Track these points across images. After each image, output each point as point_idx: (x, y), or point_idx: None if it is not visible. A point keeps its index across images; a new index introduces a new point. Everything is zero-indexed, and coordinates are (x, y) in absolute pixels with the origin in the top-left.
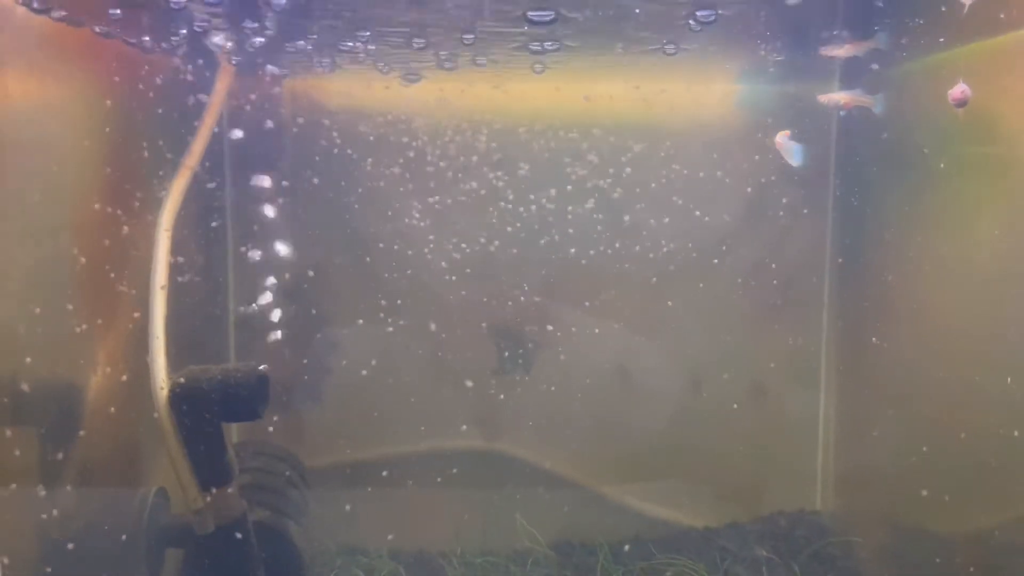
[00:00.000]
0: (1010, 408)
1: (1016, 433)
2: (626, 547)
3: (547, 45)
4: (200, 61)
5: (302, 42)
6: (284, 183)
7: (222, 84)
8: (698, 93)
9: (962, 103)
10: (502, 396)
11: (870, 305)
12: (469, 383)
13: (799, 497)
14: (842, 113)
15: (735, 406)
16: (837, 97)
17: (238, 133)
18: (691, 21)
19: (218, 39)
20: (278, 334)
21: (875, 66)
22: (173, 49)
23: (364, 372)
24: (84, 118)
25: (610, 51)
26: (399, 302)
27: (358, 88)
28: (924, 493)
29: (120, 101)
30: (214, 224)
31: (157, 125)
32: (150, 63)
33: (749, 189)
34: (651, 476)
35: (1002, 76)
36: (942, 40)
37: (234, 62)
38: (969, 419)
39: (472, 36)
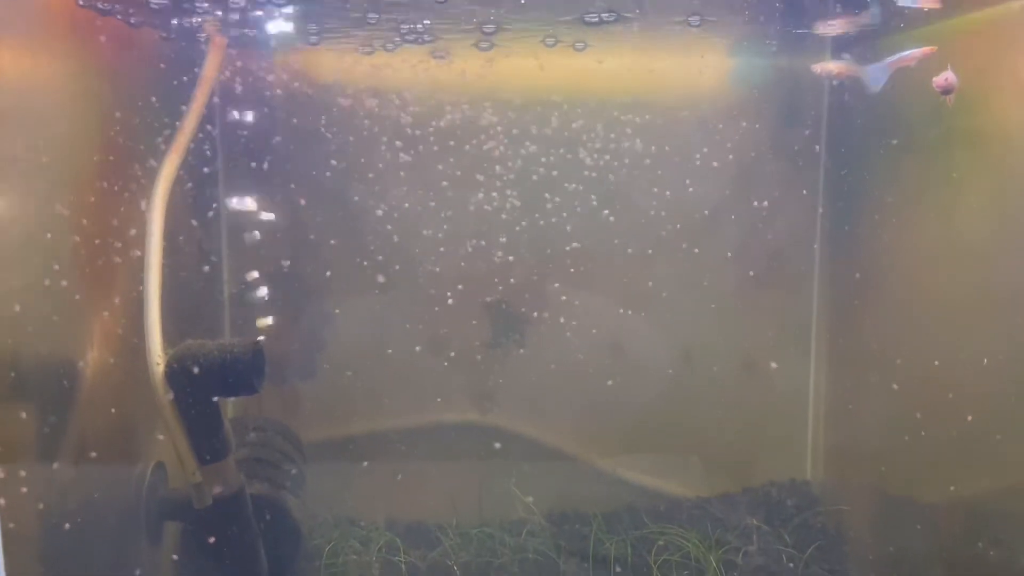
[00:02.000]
0: (996, 379)
1: (1001, 403)
2: (620, 517)
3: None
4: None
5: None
6: (278, 157)
7: (214, 58)
8: (689, 67)
9: (947, 91)
10: (496, 370)
11: (860, 278)
12: (463, 357)
13: (790, 468)
14: (835, 83)
15: (726, 378)
16: (831, 67)
17: (232, 107)
18: None
19: (209, 9)
20: (272, 309)
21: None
22: (163, 22)
23: (360, 346)
24: (78, 93)
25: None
26: (394, 276)
27: (347, 61)
28: (912, 463)
29: (112, 75)
30: (207, 199)
31: (150, 99)
32: (140, 37)
33: (740, 163)
34: (644, 448)
35: (993, 47)
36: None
37: (228, 35)
38: (957, 390)
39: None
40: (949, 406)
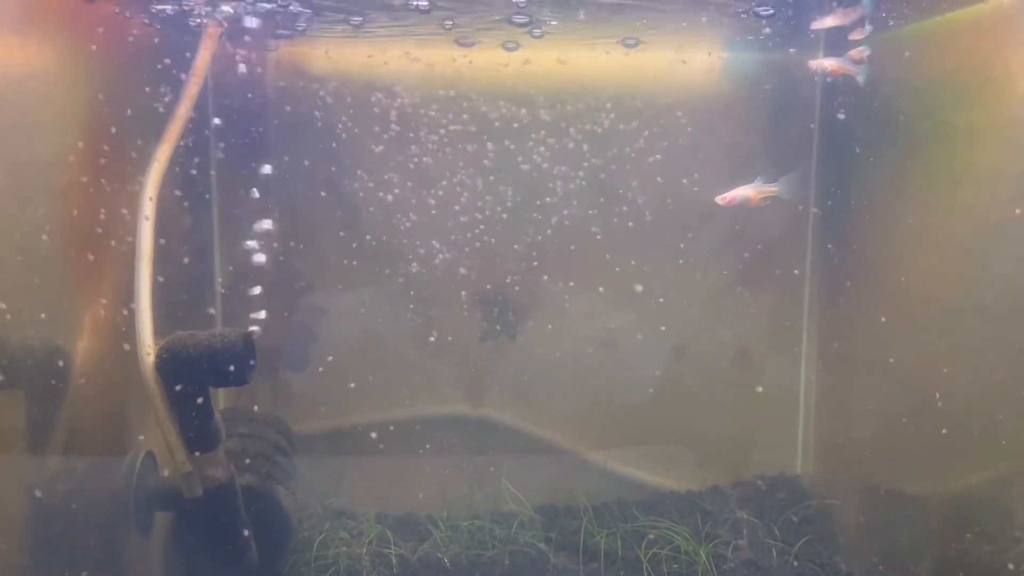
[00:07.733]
0: (986, 373)
1: (989, 398)
2: (610, 510)
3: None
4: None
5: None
6: (271, 150)
7: (207, 47)
8: (682, 60)
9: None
10: (487, 363)
11: (851, 272)
12: (455, 350)
13: (780, 462)
14: (828, 79)
15: (717, 373)
16: (826, 64)
17: (225, 98)
18: None
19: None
20: (264, 302)
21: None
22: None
23: (351, 339)
24: (66, 83)
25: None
26: (386, 270)
27: (332, 53)
28: (901, 457)
29: (101, 65)
30: (200, 192)
31: (142, 90)
32: (134, 26)
33: (731, 155)
34: (635, 441)
35: (983, 43)
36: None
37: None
38: (947, 384)
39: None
40: (938, 401)
